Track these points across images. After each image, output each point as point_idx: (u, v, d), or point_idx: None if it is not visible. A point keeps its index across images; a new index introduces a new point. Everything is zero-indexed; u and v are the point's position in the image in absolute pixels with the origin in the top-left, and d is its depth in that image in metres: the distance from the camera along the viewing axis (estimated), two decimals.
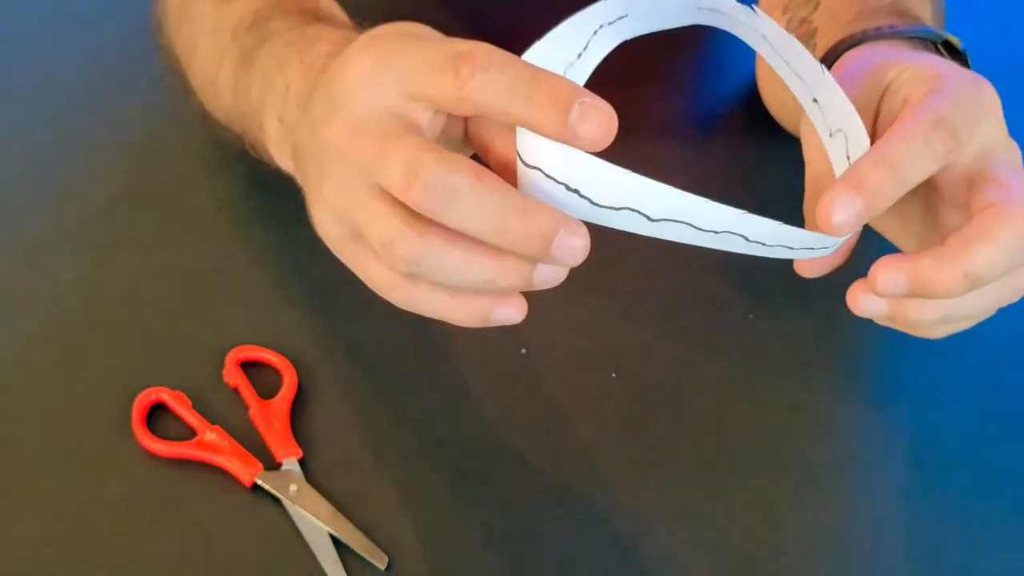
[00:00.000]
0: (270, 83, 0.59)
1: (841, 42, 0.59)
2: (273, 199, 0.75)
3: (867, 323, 0.71)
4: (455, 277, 0.45)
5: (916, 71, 0.52)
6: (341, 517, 0.61)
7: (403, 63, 0.46)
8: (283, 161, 0.59)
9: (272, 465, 0.64)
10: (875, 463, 0.66)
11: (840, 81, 0.52)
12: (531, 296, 0.69)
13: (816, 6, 0.67)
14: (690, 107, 0.86)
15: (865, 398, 0.68)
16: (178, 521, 0.62)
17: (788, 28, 0.69)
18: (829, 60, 0.59)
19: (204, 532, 0.61)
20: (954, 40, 0.60)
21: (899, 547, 0.62)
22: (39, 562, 0.60)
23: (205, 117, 0.71)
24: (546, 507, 0.63)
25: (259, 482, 0.63)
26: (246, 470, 0.63)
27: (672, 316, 0.71)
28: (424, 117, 0.46)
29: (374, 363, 0.69)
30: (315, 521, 0.61)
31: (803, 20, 0.68)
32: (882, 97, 0.53)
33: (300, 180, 0.54)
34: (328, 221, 0.49)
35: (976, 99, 0.50)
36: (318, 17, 0.62)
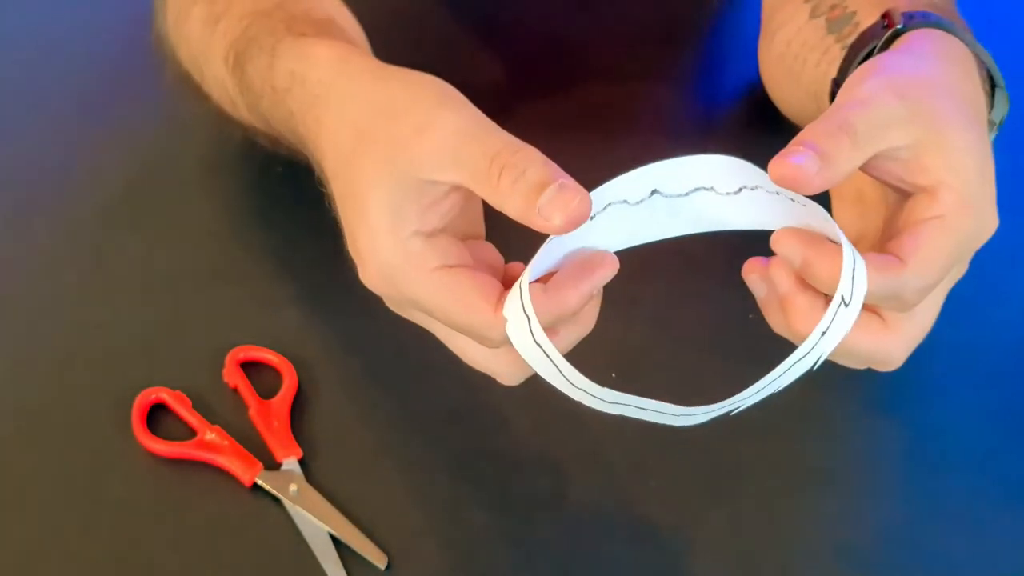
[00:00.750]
0: (295, 133, 0.60)
1: (892, 19, 0.58)
2: (273, 200, 0.75)
3: None
4: None
5: (949, 175, 0.50)
6: (341, 517, 0.61)
7: (409, 207, 0.49)
8: None
9: (272, 465, 0.64)
10: (877, 464, 0.66)
11: (884, 70, 0.51)
12: None
13: None
14: (692, 104, 0.86)
15: (867, 399, 0.68)
16: (178, 521, 0.62)
17: (812, 16, 0.68)
18: (873, 37, 0.58)
19: (204, 532, 0.61)
20: (998, 78, 0.58)
21: (903, 548, 0.62)
22: (38, 562, 0.60)
23: (231, 123, 0.71)
24: (545, 507, 0.63)
25: (259, 482, 0.63)
26: (246, 470, 0.63)
27: (672, 316, 0.71)
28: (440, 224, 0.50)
29: (374, 363, 0.69)
30: (315, 521, 0.61)
31: (834, 5, 0.67)
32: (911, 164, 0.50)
33: None
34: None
35: (968, 247, 0.51)
36: (294, 32, 0.62)
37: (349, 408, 0.67)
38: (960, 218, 0.49)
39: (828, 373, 0.68)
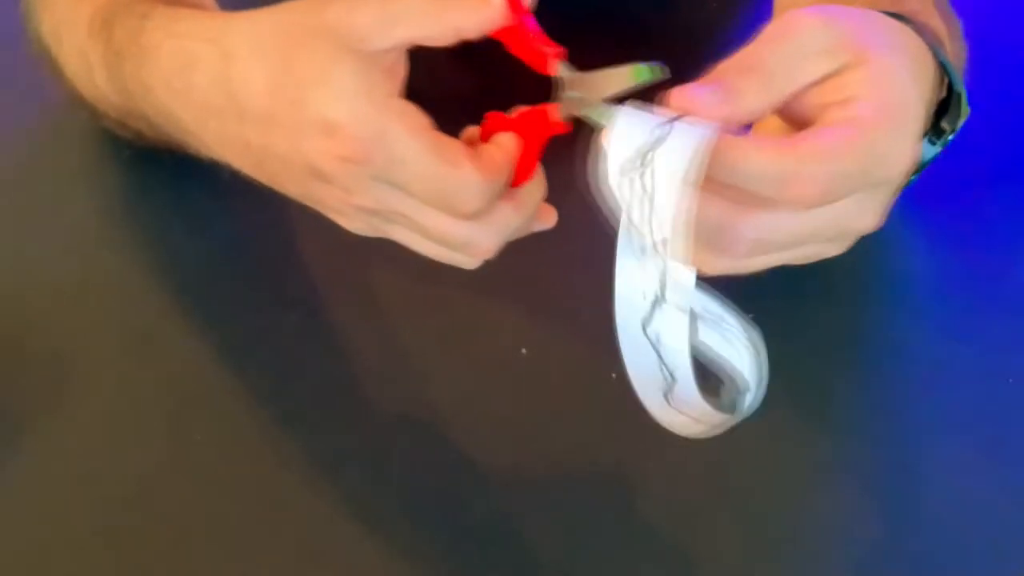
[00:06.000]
0: (157, 108, 0.60)
1: None
2: (271, 198, 0.75)
3: (867, 324, 0.71)
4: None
5: (867, 88, 0.48)
6: None
7: (376, 74, 0.51)
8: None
9: None
10: (875, 463, 0.66)
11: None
12: (532, 295, 0.69)
13: None
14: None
15: (865, 398, 0.68)
16: None
17: None
18: None
19: None
20: (958, 84, 0.56)
21: (900, 548, 0.62)
22: None
23: (80, 102, 0.72)
24: (546, 507, 0.63)
25: None
26: None
27: None
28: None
29: (373, 364, 0.69)
30: None
31: None
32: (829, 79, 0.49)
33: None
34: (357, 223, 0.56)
35: (876, 162, 0.48)
36: (167, 2, 0.63)
37: (348, 408, 0.67)
38: (871, 124, 0.47)
39: (823, 370, 0.69)
